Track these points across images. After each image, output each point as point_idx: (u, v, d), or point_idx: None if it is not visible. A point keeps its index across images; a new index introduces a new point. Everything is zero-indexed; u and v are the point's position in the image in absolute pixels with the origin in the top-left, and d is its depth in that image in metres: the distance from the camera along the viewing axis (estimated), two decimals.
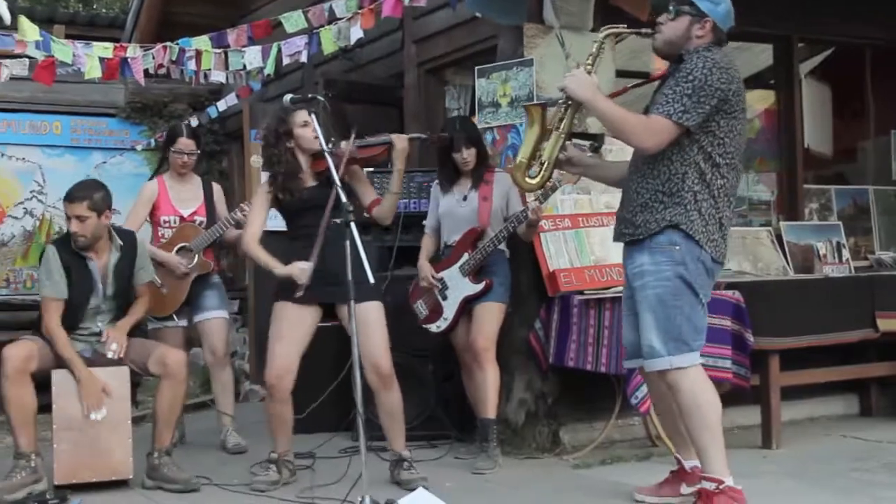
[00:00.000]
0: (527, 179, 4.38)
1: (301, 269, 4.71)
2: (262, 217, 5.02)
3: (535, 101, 4.36)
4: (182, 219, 6.03)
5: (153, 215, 6.03)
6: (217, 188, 6.31)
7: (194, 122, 8.74)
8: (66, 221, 5.05)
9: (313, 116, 4.87)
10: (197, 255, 5.95)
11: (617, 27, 4.43)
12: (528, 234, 5.48)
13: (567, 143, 4.46)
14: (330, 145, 4.86)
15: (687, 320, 4.11)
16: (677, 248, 4.09)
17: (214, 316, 6.06)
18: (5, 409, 4.88)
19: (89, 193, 5.03)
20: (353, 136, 4.92)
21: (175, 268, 5.88)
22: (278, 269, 4.84)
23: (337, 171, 4.67)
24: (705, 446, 4.11)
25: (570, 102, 4.26)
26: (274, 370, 4.84)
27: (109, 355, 5.01)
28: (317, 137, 4.84)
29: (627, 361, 4.53)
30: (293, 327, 4.87)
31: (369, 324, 4.76)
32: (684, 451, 4.48)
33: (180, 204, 6.05)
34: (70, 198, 5.02)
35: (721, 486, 4.06)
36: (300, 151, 5.01)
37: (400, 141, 5.00)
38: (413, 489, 4.59)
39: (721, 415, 4.14)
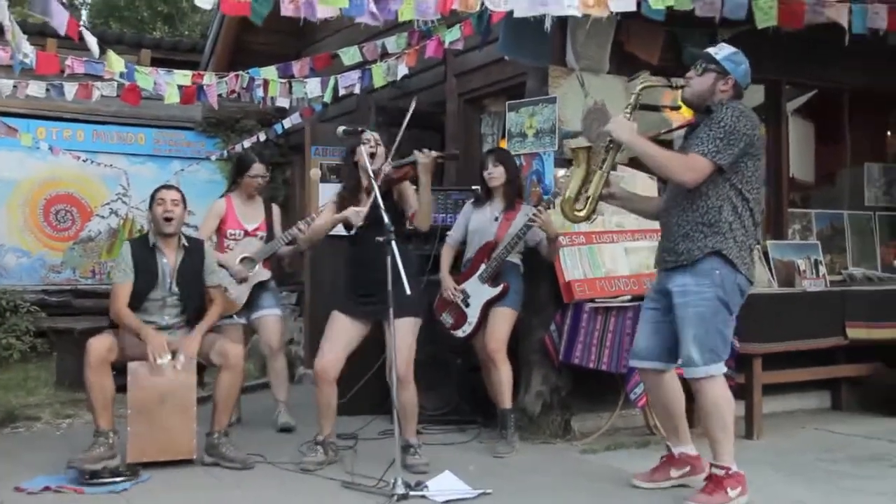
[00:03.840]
0: (575, 212, 4.46)
1: (356, 212, 4.81)
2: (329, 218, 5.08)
3: (574, 144, 4.36)
4: (246, 233, 6.08)
5: (220, 229, 6.06)
6: (276, 209, 6.34)
7: (262, 136, 8.80)
8: (157, 206, 5.16)
9: (364, 148, 4.92)
10: (258, 265, 6.01)
11: (651, 80, 4.48)
12: (550, 254, 5.49)
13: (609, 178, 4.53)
14: (374, 169, 4.89)
15: (720, 335, 4.19)
16: (717, 272, 4.16)
17: (269, 313, 6.10)
18: (87, 393, 4.90)
19: (178, 188, 5.36)
20: (390, 157, 4.97)
21: (238, 274, 5.94)
22: (339, 214, 4.94)
23: (380, 190, 4.75)
24: (720, 440, 4.20)
25: (611, 145, 4.34)
26: (321, 363, 4.89)
27: (178, 367, 4.97)
28: (373, 155, 4.93)
29: (634, 361, 4.54)
30: (342, 333, 4.95)
31: (400, 337, 4.75)
32: (673, 440, 4.54)
33: (245, 220, 6.11)
34: (168, 186, 5.34)
35: (729, 472, 4.18)
36: (361, 171, 5.01)
37: (423, 157, 4.87)
38: (419, 472, 4.65)
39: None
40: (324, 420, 4.97)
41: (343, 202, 5.02)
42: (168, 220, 5.14)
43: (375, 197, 4.72)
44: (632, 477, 4.60)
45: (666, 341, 4.39)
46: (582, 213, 4.44)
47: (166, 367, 4.93)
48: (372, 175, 4.78)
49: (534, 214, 5.26)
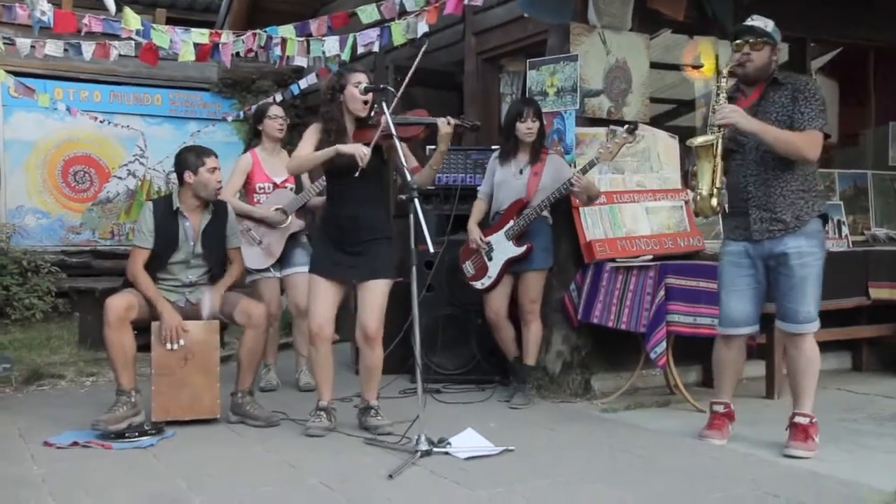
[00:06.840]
0: (713, 208, 4.42)
1: (364, 152, 4.54)
2: (311, 149, 4.76)
3: (700, 141, 4.30)
4: (275, 185, 6.01)
5: (248, 183, 6.00)
6: None
7: (279, 97, 8.80)
8: (208, 173, 5.03)
9: (356, 90, 4.71)
10: (290, 216, 5.96)
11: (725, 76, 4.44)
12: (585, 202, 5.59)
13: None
14: (372, 115, 4.75)
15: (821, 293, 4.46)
16: (822, 234, 4.43)
17: (300, 271, 5.95)
18: (108, 352, 4.89)
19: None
20: (389, 111, 4.59)
21: (277, 222, 5.91)
22: (340, 147, 4.59)
23: (372, 142, 4.59)
24: (808, 390, 4.45)
25: (722, 132, 4.36)
26: (316, 322, 4.78)
27: (204, 315, 5.04)
28: (366, 103, 4.72)
29: (729, 329, 4.60)
30: (326, 293, 4.79)
31: (372, 298, 4.73)
32: (727, 398, 4.67)
33: (273, 173, 6.02)
34: (211, 152, 5.15)
35: (813, 420, 4.44)
36: (348, 113, 4.78)
37: (444, 126, 4.61)
38: (382, 434, 4.65)
39: None
40: (324, 384, 4.88)
41: (325, 147, 4.69)
42: (219, 189, 5.13)
43: (370, 142, 4.59)
44: (702, 436, 4.61)
45: (758, 306, 4.57)
46: (717, 206, 4.43)
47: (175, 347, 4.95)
48: (394, 131, 4.55)
49: (575, 180, 5.28)
